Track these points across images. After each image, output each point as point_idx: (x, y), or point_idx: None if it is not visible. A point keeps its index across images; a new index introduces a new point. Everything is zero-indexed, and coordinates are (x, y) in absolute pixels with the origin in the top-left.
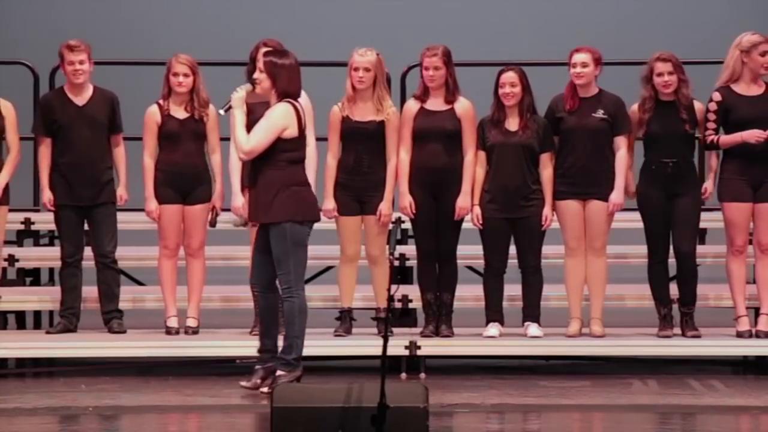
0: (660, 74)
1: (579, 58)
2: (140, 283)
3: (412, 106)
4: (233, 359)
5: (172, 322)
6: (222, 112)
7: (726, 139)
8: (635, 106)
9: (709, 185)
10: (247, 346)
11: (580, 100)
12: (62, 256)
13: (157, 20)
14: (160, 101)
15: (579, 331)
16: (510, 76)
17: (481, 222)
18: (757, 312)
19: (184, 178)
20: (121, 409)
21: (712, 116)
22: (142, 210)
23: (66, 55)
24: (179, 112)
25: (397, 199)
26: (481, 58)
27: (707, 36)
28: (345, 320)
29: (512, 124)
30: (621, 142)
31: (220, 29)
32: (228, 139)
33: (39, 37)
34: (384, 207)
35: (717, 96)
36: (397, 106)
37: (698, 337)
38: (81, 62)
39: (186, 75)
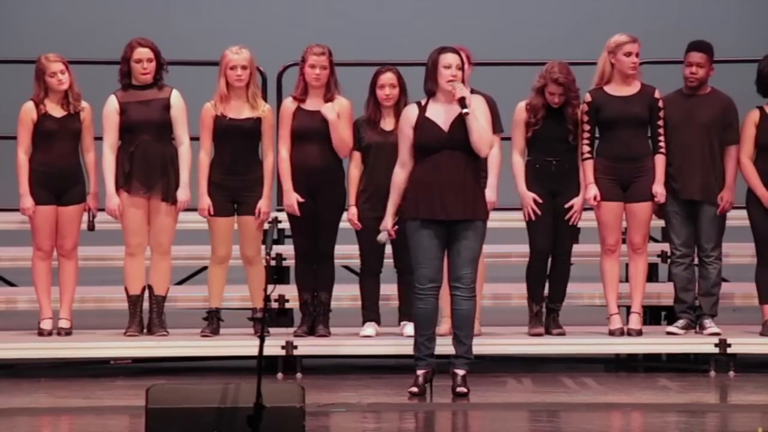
0: (552, 94)
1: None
2: (12, 284)
3: (290, 105)
4: (107, 360)
5: (46, 324)
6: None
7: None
8: (522, 104)
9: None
10: (121, 347)
11: None
12: None
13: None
14: (35, 100)
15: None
16: (389, 77)
17: (358, 221)
18: (629, 310)
19: (58, 179)
20: None
21: (585, 117)
22: (16, 210)
23: None
24: (56, 111)
25: (275, 199)
26: (356, 59)
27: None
28: (212, 321)
29: (388, 124)
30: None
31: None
32: (101, 138)
33: None
34: (263, 205)
35: (588, 97)
36: (272, 104)
37: (563, 334)
38: None
39: (63, 72)
